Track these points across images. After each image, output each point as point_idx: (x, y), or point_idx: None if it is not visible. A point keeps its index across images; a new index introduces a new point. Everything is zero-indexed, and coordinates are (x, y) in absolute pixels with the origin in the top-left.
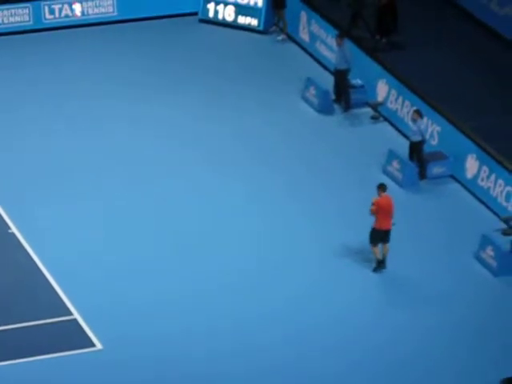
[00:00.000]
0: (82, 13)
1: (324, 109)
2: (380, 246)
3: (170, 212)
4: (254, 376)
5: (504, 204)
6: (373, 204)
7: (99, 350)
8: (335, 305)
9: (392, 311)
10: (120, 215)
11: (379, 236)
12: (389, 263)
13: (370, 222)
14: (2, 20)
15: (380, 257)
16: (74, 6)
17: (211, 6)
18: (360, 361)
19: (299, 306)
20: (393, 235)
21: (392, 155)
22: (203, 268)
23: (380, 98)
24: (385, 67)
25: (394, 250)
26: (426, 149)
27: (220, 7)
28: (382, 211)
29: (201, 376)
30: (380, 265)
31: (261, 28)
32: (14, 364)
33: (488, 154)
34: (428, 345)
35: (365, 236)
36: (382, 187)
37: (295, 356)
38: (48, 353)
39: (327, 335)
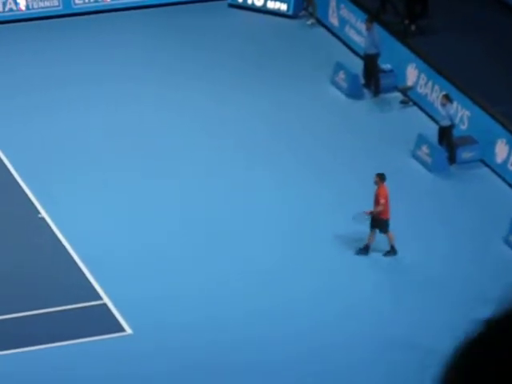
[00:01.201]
0: None
1: (353, 93)
2: (370, 233)
3: (196, 199)
4: (281, 363)
5: None
6: (381, 198)
7: (129, 335)
8: (360, 294)
9: (415, 299)
10: (149, 201)
11: (387, 224)
12: (418, 248)
13: (401, 209)
14: (33, 5)
15: (371, 243)
16: None
17: None
18: (377, 354)
19: (323, 299)
20: (422, 220)
21: (421, 140)
22: (231, 256)
23: (409, 83)
24: (414, 52)
25: (423, 234)
26: (456, 133)
27: None
28: (387, 201)
29: (226, 365)
30: (366, 250)
31: (290, 13)
32: (44, 349)
33: None
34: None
35: (394, 222)
36: (383, 177)
37: (307, 350)
38: (78, 337)
39: (356, 322)
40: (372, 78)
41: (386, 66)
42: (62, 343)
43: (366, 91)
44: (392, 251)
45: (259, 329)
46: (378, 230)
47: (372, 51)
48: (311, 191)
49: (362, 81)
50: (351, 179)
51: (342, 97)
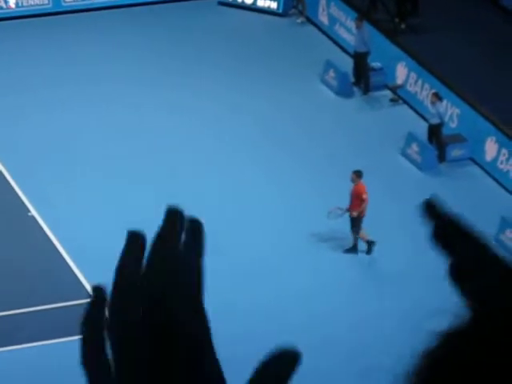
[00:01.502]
0: None
1: (343, 91)
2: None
3: (191, 198)
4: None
5: None
6: (363, 193)
7: None
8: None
9: (402, 299)
10: (143, 198)
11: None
12: (408, 247)
13: (391, 208)
14: (22, 2)
15: (370, 238)
16: None
17: None
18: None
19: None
20: (411, 219)
21: (411, 138)
22: (227, 253)
23: (399, 81)
24: (404, 50)
25: (413, 233)
26: (445, 131)
27: None
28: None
29: (227, 359)
30: (355, 248)
31: (280, 11)
32: (36, 346)
33: (507, 136)
34: None
35: (384, 221)
36: (360, 174)
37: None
38: (68, 335)
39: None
40: (362, 77)
41: (376, 64)
42: (52, 341)
43: (355, 89)
44: (354, 249)
45: (259, 323)
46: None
47: (362, 49)
48: (302, 189)
49: (352, 79)
50: (341, 177)
51: (332, 95)
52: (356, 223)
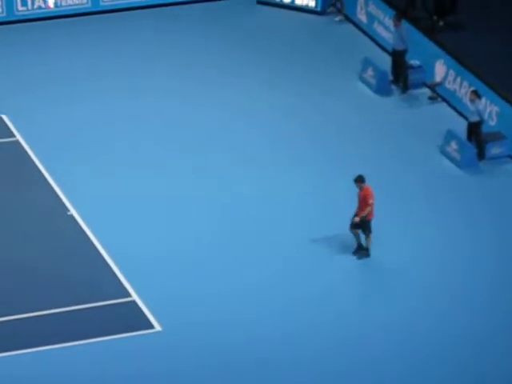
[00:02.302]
0: None
1: (382, 90)
2: (361, 234)
3: (224, 197)
4: (309, 360)
5: None
6: (369, 198)
7: (158, 332)
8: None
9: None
10: (182, 198)
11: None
12: (444, 245)
13: (429, 205)
14: (61, 2)
15: (367, 244)
16: None
17: None
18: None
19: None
20: (453, 215)
21: (450, 136)
22: (259, 257)
23: (438, 79)
24: (442, 48)
25: (453, 230)
26: (485, 129)
27: None
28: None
29: (255, 362)
30: (364, 250)
31: (318, 9)
32: (74, 346)
33: None
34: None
35: (421, 219)
36: (363, 179)
37: (331, 346)
38: (107, 335)
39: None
40: (400, 75)
41: (415, 62)
42: (90, 340)
43: (394, 87)
44: (365, 252)
45: (286, 327)
46: (360, 231)
47: (400, 47)
48: (340, 186)
49: (391, 77)
50: (380, 176)
51: (371, 93)
52: (366, 227)
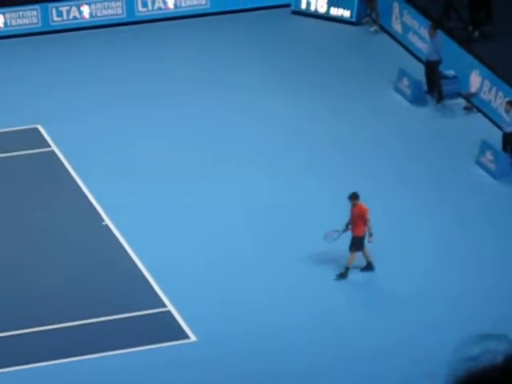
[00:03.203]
0: (175, 5)
1: (417, 100)
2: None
3: (269, 207)
4: (344, 366)
5: None
6: (366, 214)
7: (193, 342)
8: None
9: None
10: (214, 209)
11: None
12: (482, 255)
13: (464, 216)
14: (96, 13)
15: (370, 259)
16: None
17: None
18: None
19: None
20: (485, 226)
21: (485, 146)
22: (295, 265)
23: (473, 89)
24: (478, 58)
25: (488, 241)
26: None
27: None
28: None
29: (291, 371)
30: (370, 266)
31: (353, 19)
32: (108, 356)
33: None
34: None
35: (455, 231)
36: (357, 195)
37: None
38: (142, 345)
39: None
40: (435, 85)
41: (450, 73)
42: (125, 350)
43: (429, 98)
44: (369, 267)
45: (322, 334)
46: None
47: (434, 58)
48: (375, 196)
49: (425, 87)
50: (415, 186)
51: (406, 103)
52: (358, 244)
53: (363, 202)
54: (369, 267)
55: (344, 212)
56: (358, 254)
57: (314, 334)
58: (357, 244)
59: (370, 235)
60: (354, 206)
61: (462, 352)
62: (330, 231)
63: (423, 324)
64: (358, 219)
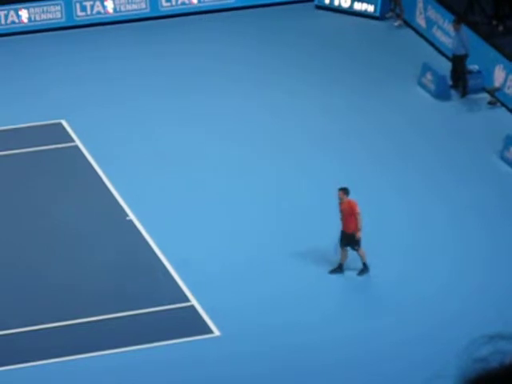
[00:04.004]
0: (199, 0)
1: (441, 94)
2: (340, 249)
3: (291, 201)
4: (374, 361)
5: None
6: (356, 208)
7: (217, 337)
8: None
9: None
10: (237, 203)
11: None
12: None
13: (488, 213)
14: (120, 8)
15: (363, 258)
16: None
17: None
18: None
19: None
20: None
21: (510, 141)
22: (318, 260)
23: (497, 84)
24: (502, 52)
25: (503, 238)
26: None
27: None
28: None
29: (315, 366)
30: (340, 268)
31: (377, 14)
32: (132, 351)
33: None
34: None
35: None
36: (347, 191)
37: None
38: (165, 339)
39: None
40: (460, 79)
41: (474, 67)
42: (149, 345)
43: (453, 92)
44: (365, 269)
45: (347, 329)
46: (349, 248)
47: (460, 52)
48: (396, 192)
49: (450, 82)
50: (438, 180)
51: (430, 98)
52: (355, 240)
53: (387, 197)
54: (340, 269)
55: (368, 211)
56: (351, 253)
57: (337, 330)
58: (356, 241)
59: (359, 234)
60: (341, 201)
61: (470, 353)
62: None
63: (436, 323)
64: (348, 216)
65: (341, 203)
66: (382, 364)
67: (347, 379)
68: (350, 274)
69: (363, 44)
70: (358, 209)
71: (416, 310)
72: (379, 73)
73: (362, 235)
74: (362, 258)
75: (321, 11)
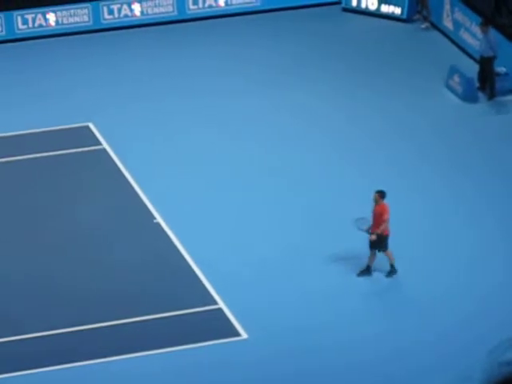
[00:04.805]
0: (226, 3)
1: (468, 97)
2: (371, 253)
3: (316, 202)
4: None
5: None
6: (385, 213)
7: (244, 340)
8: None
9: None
10: (269, 204)
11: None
12: None
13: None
14: (147, 11)
15: (391, 260)
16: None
17: None
18: None
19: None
20: None
21: None
22: (344, 263)
23: None
24: None
25: None
26: None
27: None
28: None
29: (342, 368)
30: (368, 270)
31: (404, 16)
32: (160, 354)
33: None
34: None
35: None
36: (383, 194)
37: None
38: (193, 342)
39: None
40: (487, 81)
41: (501, 69)
42: (177, 348)
43: (480, 94)
44: (392, 270)
45: (373, 330)
46: (377, 250)
47: (488, 54)
48: (420, 195)
49: (477, 84)
50: (467, 183)
51: (457, 100)
52: (383, 243)
53: (415, 202)
54: (368, 271)
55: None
56: (378, 255)
57: (363, 329)
58: (382, 243)
59: (371, 230)
60: (377, 204)
61: (496, 356)
62: (365, 219)
63: (457, 322)
64: (377, 218)
65: (375, 205)
66: (407, 362)
67: (373, 379)
68: (378, 276)
69: (390, 46)
70: (387, 215)
71: (439, 310)
72: (406, 75)
73: (389, 238)
74: (389, 259)
75: (348, 14)
